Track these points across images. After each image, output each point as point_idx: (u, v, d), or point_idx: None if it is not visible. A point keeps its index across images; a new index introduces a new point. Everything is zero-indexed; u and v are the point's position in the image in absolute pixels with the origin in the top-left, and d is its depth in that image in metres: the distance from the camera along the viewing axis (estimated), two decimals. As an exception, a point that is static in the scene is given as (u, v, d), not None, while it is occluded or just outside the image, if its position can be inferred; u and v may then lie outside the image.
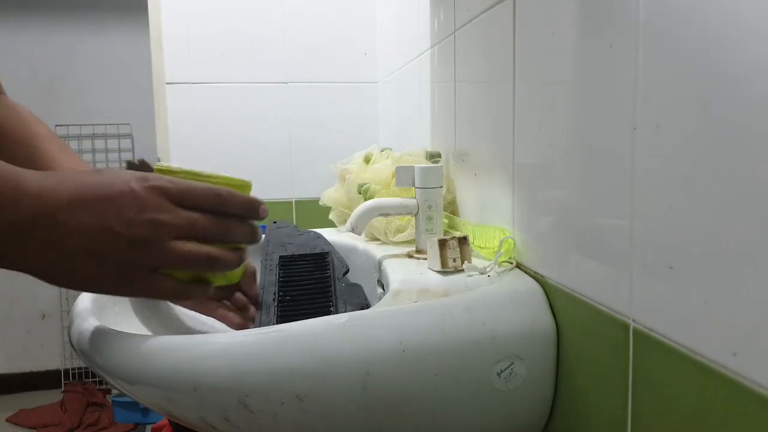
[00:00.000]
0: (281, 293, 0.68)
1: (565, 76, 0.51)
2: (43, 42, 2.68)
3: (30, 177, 0.36)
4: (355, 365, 0.48)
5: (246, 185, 0.54)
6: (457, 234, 0.72)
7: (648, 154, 0.40)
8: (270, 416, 0.46)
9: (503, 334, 0.52)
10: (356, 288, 0.72)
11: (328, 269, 0.74)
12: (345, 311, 0.67)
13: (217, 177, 0.51)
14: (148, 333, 0.64)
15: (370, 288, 0.77)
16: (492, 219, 0.71)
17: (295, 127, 1.45)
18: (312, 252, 0.78)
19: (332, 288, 0.70)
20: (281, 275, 0.72)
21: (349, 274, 0.76)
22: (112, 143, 2.75)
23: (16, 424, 2.40)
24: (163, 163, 0.52)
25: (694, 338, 0.37)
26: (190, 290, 0.46)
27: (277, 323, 0.63)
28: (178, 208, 0.41)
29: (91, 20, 2.70)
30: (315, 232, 0.88)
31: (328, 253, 0.78)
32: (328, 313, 0.66)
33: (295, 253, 0.77)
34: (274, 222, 0.89)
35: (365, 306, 0.68)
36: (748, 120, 0.32)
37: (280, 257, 0.76)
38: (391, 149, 0.94)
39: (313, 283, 0.71)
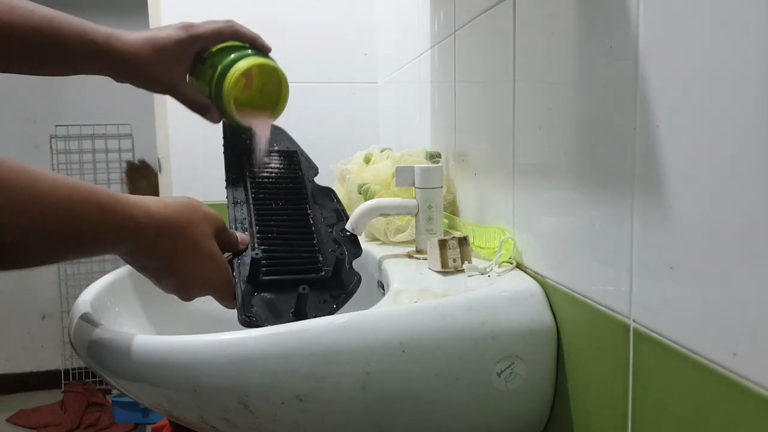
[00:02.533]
0: (254, 193, 0.67)
1: (565, 76, 0.51)
2: (43, 42, 2.68)
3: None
4: (355, 365, 0.48)
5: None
6: (457, 234, 0.72)
7: (647, 155, 0.40)
8: (270, 416, 0.46)
9: (503, 334, 0.52)
10: (328, 190, 0.71)
11: (298, 170, 0.73)
12: (321, 216, 0.67)
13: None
14: (148, 333, 0.64)
15: (370, 288, 0.77)
16: (492, 219, 0.71)
17: (295, 127, 1.45)
18: (279, 149, 0.76)
19: (306, 189, 0.69)
20: (251, 182, 0.70)
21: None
22: (112, 143, 2.76)
23: (16, 424, 2.40)
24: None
25: (694, 338, 0.37)
26: None
27: (256, 222, 0.62)
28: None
29: (90, 20, 2.70)
30: (276, 126, 0.82)
31: (295, 152, 0.76)
32: (305, 217, 0.66)
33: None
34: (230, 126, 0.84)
35: (340, 211, 0.68)
36: (748, 119, 0.32)
37: (248, 164, 0.73)
38: (391, 149, 0.94)
39: (287, 182, 0.70)
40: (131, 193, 2.84)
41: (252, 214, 0.65)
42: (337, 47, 1.45)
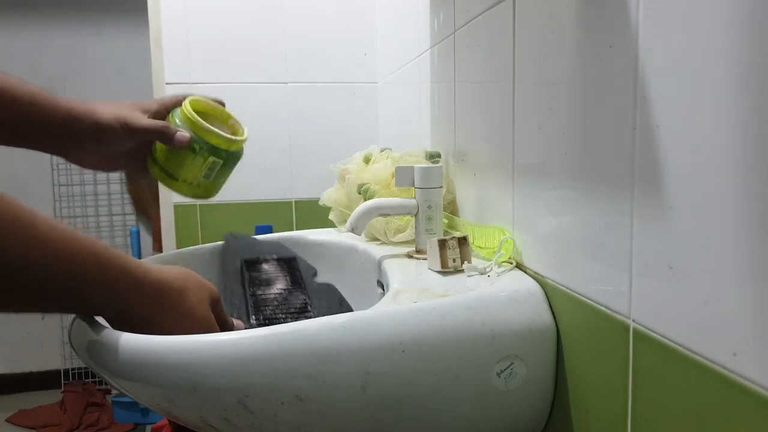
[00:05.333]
0: (252, 290, 0.67)
1: (565, 76, 0.51)
2: (43, 42, 2.68)
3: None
4: (355, 365, 0.48)
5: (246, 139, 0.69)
6: (457, 234, 0.72)
7: (647, 155, 0.40)
8: (270, 416, 0.46)
9: (503, 334, 0.52)
10: (329, 287, 0.72)
11: (297, 271, 0.73)
12: (320, 306, 0.67)
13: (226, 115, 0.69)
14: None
15: (369, 288, 0.77)
16: (492, 219, 0.71)
17: (295, 127, 1.45)
18: (277, 257, 0.77)
19: (303, 286, 0.69)
20: (248, 277, 0.71)
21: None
22: (112, 143, 2.76)
23: (16, 424, 2.40)
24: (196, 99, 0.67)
25: (694, 338, 0.37)
26: None
27: (255, 321, 0.62)
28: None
29: (90, 20, 2.70)
30: (276, 241, 0.85)
31: (294, 257, 0.77)
32: (305, 309, 0.65)
33: (259, 257, 0.76)
34: (232, 234, 0.87)
35: (342, 302, 0.68)
36: (748, 119, 0.32)
37: (243, 260, 0.74)
38: (390, 149, 0.94)
39: (283, 282, 0.70)
40: (131, 193, 2.82)
41: (248, 301, 0.65)
42: (337, 47, 1.45)
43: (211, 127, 0.64)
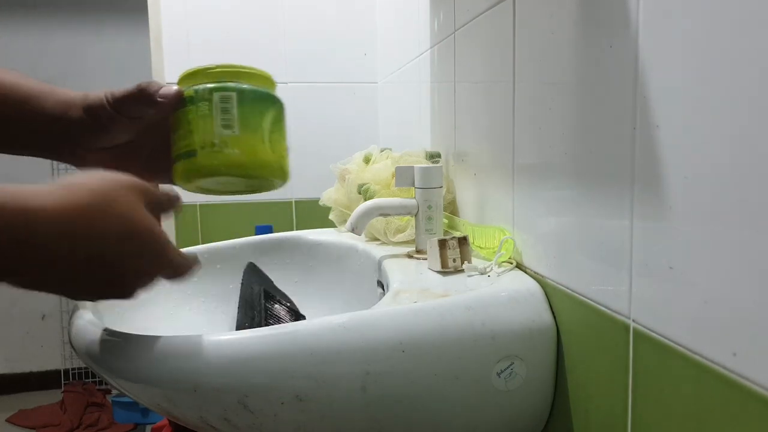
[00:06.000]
0: (265, 323, 0.68)
1: (565, 76, 0.51)
2: (43, 42, 2.68)
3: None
4: (354, 365, 0.48)
5: (267, 78, 0.57)
6: (457, 234, 0.72)
7: (647, 155, 0.40)
8: (270, 416, 0.46)
9: (503, 334, 0.52)
10: None
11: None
12: None
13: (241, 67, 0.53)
14: (148, 332, 0.63)
15: (369, 288, 0.77)
16: (492, 219, 0.71)
17: (295, 127, 1.45)
18: (291, 307, 0.78)
19: None
20: (263, 305, 0.71)
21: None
22: (112, 143, 2.76)
23: (16, 424, 2.40)
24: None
25: (693, 338, 0.37)
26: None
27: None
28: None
29: (91, 20, 2.70)
30: (287, 296, 0.85)
31: (304, 318, 0.77)
32: None
33: (276, 296, 0.77)
34: (253, 265, 0.86)
35: None
36: (748, 119, 0.32)
37: (264, 290, 0.75)
38: (390, 149, 0.94)
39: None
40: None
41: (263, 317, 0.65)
42: (337, 47, 1.45)
43: (199, 66, 0.52)
